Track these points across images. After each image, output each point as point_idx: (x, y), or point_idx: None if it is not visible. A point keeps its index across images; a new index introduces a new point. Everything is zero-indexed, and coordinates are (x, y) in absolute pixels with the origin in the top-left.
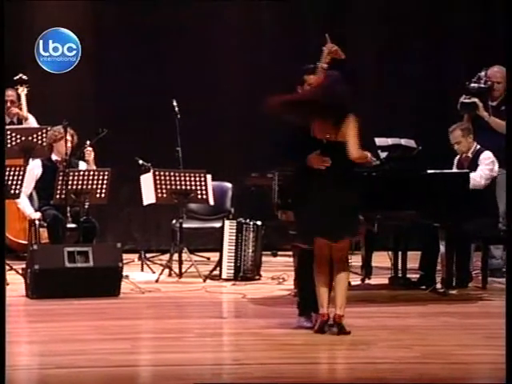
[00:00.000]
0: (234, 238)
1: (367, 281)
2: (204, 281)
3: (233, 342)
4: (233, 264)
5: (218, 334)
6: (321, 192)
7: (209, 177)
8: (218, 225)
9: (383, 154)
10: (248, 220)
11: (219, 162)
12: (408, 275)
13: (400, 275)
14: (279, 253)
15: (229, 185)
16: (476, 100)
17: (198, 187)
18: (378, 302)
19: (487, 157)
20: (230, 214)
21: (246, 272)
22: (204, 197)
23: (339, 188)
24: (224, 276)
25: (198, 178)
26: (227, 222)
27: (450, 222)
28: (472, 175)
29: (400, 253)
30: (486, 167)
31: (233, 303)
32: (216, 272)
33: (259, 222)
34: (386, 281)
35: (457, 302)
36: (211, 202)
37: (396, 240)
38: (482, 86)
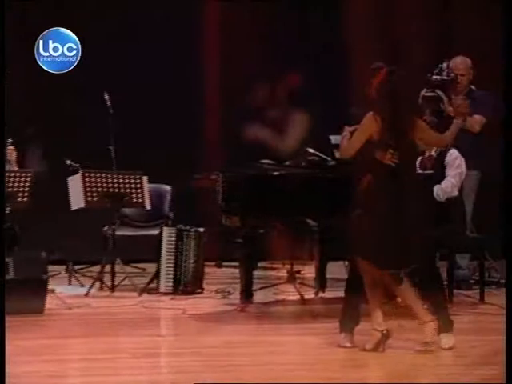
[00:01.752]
0: (173, 246)
1: (321, 294)
2: (139, 295)
3: (172, 362)
4: (172, 276)
5: (155, 354)
6: (387, 203)
7: (145, 178)
8: (155, 232)
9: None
10: (189, 226)
11: (157, 163)
12: None
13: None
14: (224, 263)
15: (167, 187)
16: (440, 93)
17: (133, 190)
18: (333, 317)
19: (455, 157)
20: (168, 219)
21: (186, 285)
22: (139, 200)
23: (409, 201)
24: (162, 289)
25: (132, 180)
26: (166, 229)
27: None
28: (442, 186)
29: None
30: (457, 172)
31: (172, 319)
32: (153, 285)
33: (201, 229)
34: (342, 294)
35: None
36: (147, 206)
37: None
38: (445, 77)
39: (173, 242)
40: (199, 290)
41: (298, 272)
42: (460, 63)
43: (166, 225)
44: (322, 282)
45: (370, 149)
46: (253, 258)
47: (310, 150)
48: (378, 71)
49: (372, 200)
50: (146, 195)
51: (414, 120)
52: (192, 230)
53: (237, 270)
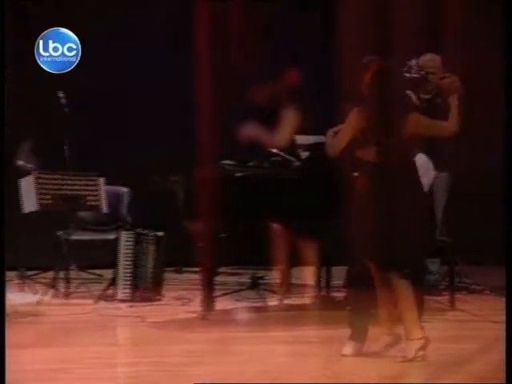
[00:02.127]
0: (131, 251)
1: (286, 300)
2: (96, 302)
3: (130, 373)
4: (130, 282)
5: (113, 364)
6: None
7: (101, 180)
8: (112, 236)
9: (305, 154)
10: (148, 230)
11: (113, 164)
12: (334, 294)
13: (324, 294)
14: (184, 269)
15: (125, 189)
16: (409, 92)
17: (89, 192)
18: (299, 324)
19: (422, 162)
20: (126, 223)
21: (145, 291)
22: (96, 203)
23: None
24: (119, 296)
25: (88, 182)
26: (123, 233)
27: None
28: None
29: (324, 268)
30: (425, 180)
31: (130, 328)
32: (110, 291)
33: (161, 233)
34: (308, 300)
35: None
36: (104, 209)
37: (319, 253)
38: (414, 75)
39: (131, 247)
40: (158, 297)
41: (262, 278)
42: (430, 61)
43: (124, 229)
44: (287, 287)
45: (356, 147)
46: (214, 263)
47: (274, 151)
48: (369, 65)
49: (363, 200)
50: (103, 197)
51: (404, 115)
52: (151, 234)
53: (197, 276)
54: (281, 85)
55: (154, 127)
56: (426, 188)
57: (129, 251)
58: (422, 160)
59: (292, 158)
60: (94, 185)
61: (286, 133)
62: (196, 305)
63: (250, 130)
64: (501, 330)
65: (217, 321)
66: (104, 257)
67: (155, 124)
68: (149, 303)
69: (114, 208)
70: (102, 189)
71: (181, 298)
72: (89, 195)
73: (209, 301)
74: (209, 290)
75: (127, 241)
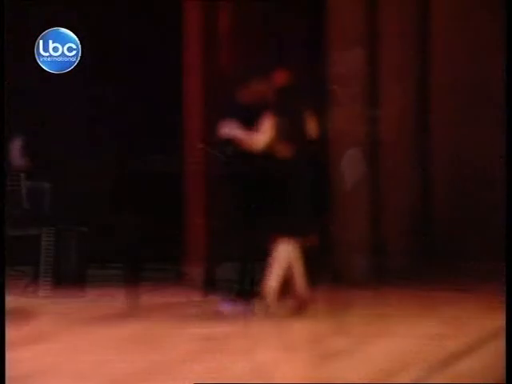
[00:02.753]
0: (53, 247)
1: (211, 296)
2: (17, 299)
3: (59, 371)
4: (52, 278)
5: (42, 362)
6: None
7: (22, 176)
8: (33, 232)
9: (230, 150)
10: (70, 226)
11: (37, 159)
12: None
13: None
14: (108, 264)
15: (47, 185)
16: (335, 87)
17: (10, 187)
18: (224, 320)
19: (353, 155)
20: (48, 219)
21: (68, 287)
22: (17, 199)
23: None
24: (41, 293)
25: (9, 177)
26: (45, 229)
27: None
28: None
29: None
30: (357, 171)
31: (52, 324)
32: (32, 288)
33: (84, 229)
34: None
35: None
36: (25, 204)
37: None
38: None
39: (53, 243)
40: (82, 293)
41: (187, 273)
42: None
43: (46, 224)
44: (211, 283)
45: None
46: (139, 258)
47: (202, 146)
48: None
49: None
50: (24, 193)
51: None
52: (74, 229)
53: (122, 272)
54: (268, 85)
55: (80, 123)
56: (354, 179)
57: (50, 247)
58: (355, 152)
59: (219, 154)
60: (15, 180)
61: (265, 135)
62: (121, 300)
63: (230, 128)
64: (432, 327)
65: (141, 316)
66: (26, 252)
67: (82, 120)
68: (72, 299)
69: (35, 204)
70: (23, 184)
71: (104, 294)
72: (10, 190)
73: (134, 296)
74: (134, 285)
75: (49, 236)
